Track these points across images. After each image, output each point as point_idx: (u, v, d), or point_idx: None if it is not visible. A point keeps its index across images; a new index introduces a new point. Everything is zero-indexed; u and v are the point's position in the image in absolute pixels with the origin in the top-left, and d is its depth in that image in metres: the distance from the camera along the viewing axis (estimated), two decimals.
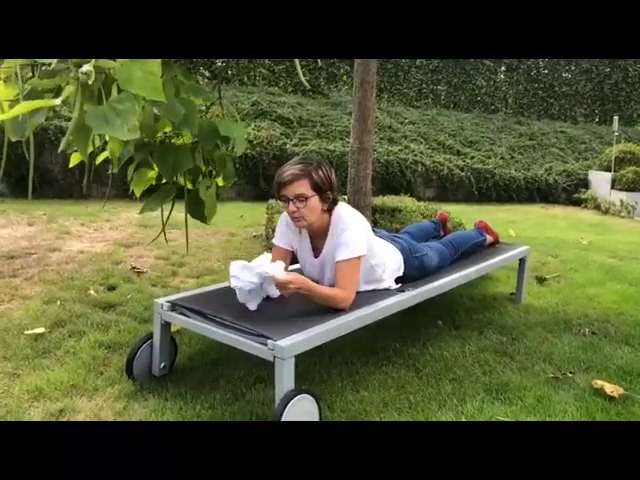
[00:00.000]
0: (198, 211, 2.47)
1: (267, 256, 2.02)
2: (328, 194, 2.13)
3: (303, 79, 2.31)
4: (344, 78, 12.14)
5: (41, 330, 2.53)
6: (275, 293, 2.06)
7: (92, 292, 3.08)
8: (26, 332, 2.51)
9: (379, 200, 4.54)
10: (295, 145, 8.54)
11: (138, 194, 2.54)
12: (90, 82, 1.65)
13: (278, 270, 1.94)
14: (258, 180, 7.94)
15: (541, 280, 3.79)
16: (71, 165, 2.46)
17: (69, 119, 6.88)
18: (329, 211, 2.17)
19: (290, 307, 2.12)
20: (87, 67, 1.65)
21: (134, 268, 3.59)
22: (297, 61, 2.06)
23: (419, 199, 5.28)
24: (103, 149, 2.41)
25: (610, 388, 2.19)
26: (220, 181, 2.55)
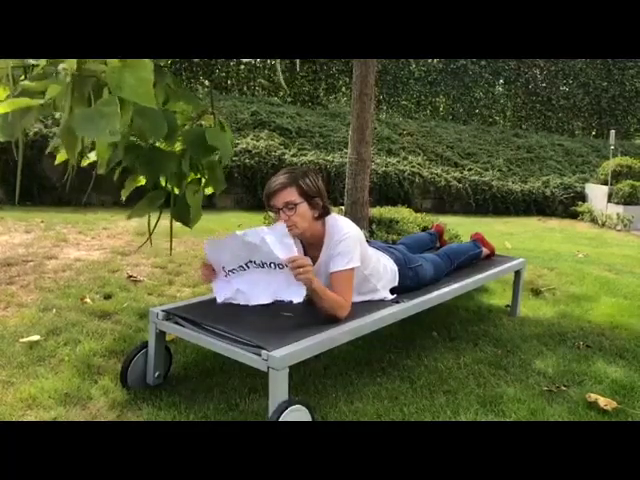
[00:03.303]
0: (183, 215, 2.47)
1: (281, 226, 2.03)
2: (317, 200, 2.15)
3: (282, 81, 2.35)
4: (343, 89, 12.21)
5: (36, 338, 2.53)
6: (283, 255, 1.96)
7: (88, 300, 3.08)
8: (21, 340, 2.51)
9: (376, 211, 4.55)
10: (294, 155, 8.57)
11: (124, 197, 2.54)
12: (68, 80, 1.66)
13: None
14: (256, 189, 7.95)
15: (537, 293, 3.79)
16: (56, 162, 2.46)
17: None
18: (321, 218, 2.18)
19: (285, 318, 2.12)
20: (63, 65, 1.66)
21: (130, 276, 3.59)
22: (278, 64, 2.08)
23: (416, 210, 5.30)
24: (92, 150, 2.41)
25: (604, 402, 2.19)
26: (210, 190, 2.56)
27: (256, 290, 2.06)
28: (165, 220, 2.73)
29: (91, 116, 1.62)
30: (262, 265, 2.00)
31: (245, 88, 11.41)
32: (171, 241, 2.77)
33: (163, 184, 2.44)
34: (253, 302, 2.10)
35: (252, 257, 2.02)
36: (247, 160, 8.06)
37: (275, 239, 1.94)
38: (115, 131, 1.61)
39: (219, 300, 2.15)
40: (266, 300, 2.07)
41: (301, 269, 1.91)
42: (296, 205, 2.09)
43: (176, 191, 2.45)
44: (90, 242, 4.68)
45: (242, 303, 2.14)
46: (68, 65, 1.66)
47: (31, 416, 1.92)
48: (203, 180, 2.50)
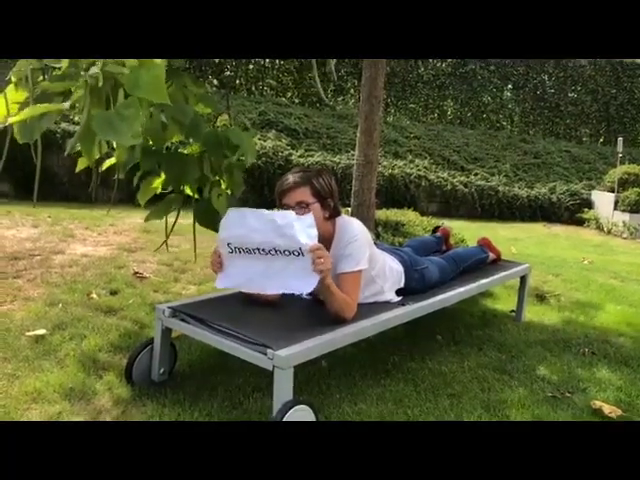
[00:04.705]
0: (208, 219, 2.47)
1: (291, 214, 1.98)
2: (329, 202, 2.15)
3: (321, 91, 2.36)
4: (351, 91, 12.21)
5: (42, 332, 2.53)
6: (308, 242, 1.91)
7: (94, 296, 3.09)
8: (27, 333, 2.51)
9: (382, 213, 4.56)
10: (301, 156, 8.58)
11: (143, 203, 2.54)
12: (100, 84, 1.67)
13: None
14: (262, 189, 7.96)
15: (542, 298, 3.78)
16: (77, 170, 2.47)
17: (77, 123, 6.92)
18: (331, 219, 2.18)
19: (290, 317, 2.13)
20: (95, 69, 1.67)
21: (136, 273, 3.60)
22: (317, 76, 2.09)
23: (422, 214, 5.30)
24: (109, 155, 2.43)
25: (608, 409, 2.18)
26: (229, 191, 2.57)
27: (264, 279, 2.02)
28: (172, 219, 2.74)
29: (111, 119, 1.63)
30: (275, 252, 1.96)
31: (253, 88, 11.43)
32: (195, 246, 2.78)
33: (181, 189, 2.45)
34: (261, 290, 2.07)
35: (266, 241, 1.96)
36: (254, 160, 8.07)
37: (301, 227, 1.92)
38: (137, 134, 1.62)
39: (220, 286, 2.11)
40: (274, 290, 2.04)
41: (321, 259, 1.88)
42: (308, 205, 2.09)
43: (196, 196, 2.46)
44: (97, 238, 4.69)
45: (247, 291, 2.12)
46: (97, 69, 1.67)
47: (36, 410, 1.93)
48: (222, 183, 2.51)
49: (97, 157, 2.32)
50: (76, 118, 6.88)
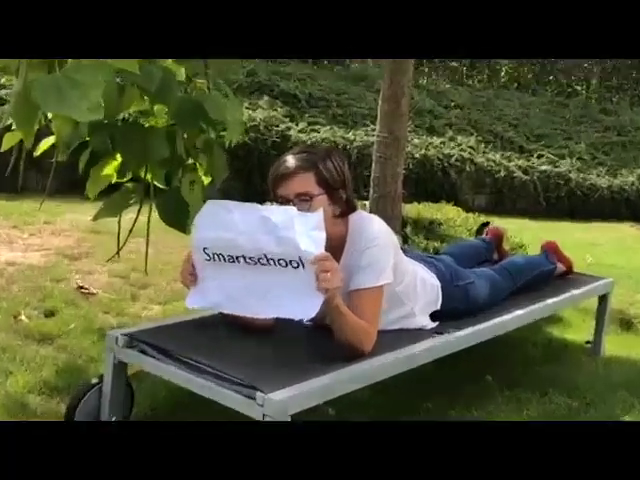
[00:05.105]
0: (176, 216, 2.46)
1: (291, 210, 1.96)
2: (340, 193, 2.14)
3: None
4: None
5: None
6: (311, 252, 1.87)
7: (24, 318, 3.10)
8: None
9: (412, 209, 4.56)
10: (302, 131, 8.60)
11: (92, 196, 2.54)
12: None
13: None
14: (251, 176, 7.97)
15: (628, 325, 3.78)
16: (4, 148, 2.47)
17: (5, 86, 6.95)
18: (343, 217, 2.18)
19: (287, 349, 2.12)
20: None
21: (81, 288, 3.62)
22: None
23: (467, 209, 5.30)
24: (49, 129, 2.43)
25: None
26: (206, 178, 2.56)
27: (250, 297, 2.00)
28: (130, 215, 2.74)
29: (58, 85, 1.61)
30: (266, 261, 1.92)
31: None
32: (147, 252, 2.78)
33: (142, 174, 2.44)
34: (245, 313, 2.06)
35: (254, 246, 1.94)
36: (240, 137, 8.09)
37: (304, 228, 1.87)
38: (95, 107, 1.59)
39: (192, 305, 2.10)
40: (263, 313, 2.02)
41: (328, 274, 1.84)
42: (312, 197, 2.07)
43: (161, 184, 2.45)
44: (28, 240, 4.71)
45: (227, 312, 2.11)
46: None
47: None
48: (199, 167, 2.50)
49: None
50: (3, 80, 6.93)
